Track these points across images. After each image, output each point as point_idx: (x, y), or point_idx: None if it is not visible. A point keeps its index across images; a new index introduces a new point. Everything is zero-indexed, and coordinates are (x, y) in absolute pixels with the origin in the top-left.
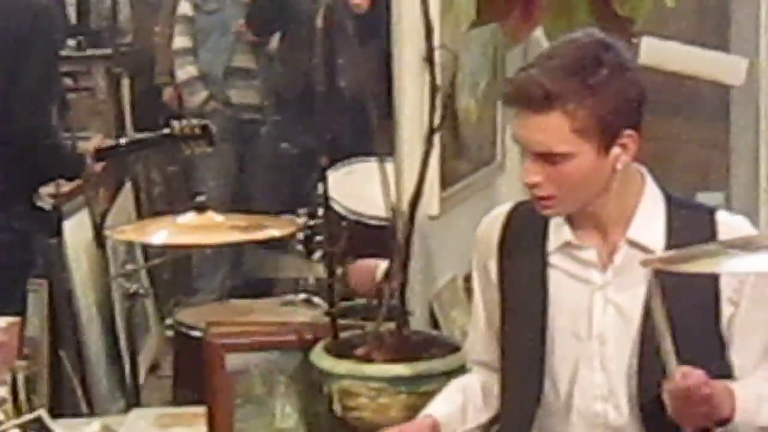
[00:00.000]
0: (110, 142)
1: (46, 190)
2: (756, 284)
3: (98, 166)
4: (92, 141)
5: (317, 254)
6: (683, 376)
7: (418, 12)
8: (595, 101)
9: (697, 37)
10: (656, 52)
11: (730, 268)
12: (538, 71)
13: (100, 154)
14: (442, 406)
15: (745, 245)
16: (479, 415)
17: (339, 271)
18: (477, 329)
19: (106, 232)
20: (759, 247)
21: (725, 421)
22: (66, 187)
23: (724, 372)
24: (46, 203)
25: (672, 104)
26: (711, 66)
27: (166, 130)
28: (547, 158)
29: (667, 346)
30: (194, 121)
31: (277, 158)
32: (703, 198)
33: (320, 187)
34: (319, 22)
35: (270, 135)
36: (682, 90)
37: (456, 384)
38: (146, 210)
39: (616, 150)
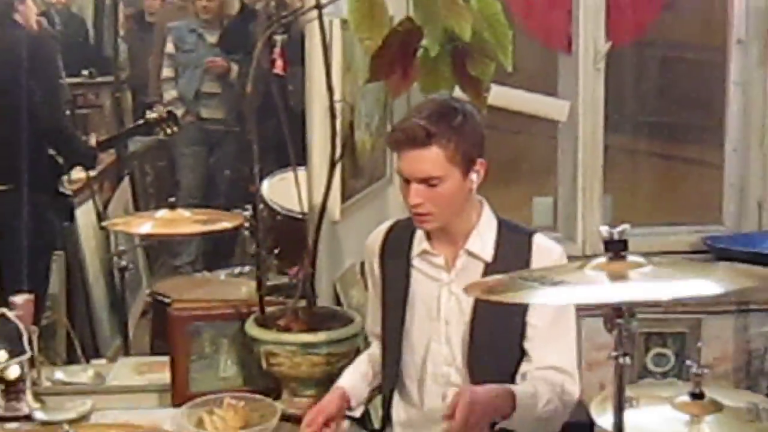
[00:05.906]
0: (106, 135)
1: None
2: None
3: (104, 155)
4: (91, 139)
5: None
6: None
7: (323, 75)
8: (458, 137)
9: (534, 85)
10: (502, 96)
11: (531, 299)
12: (417, 119)
13: (101, 145)
14: (348, 376)
15: (541, 279)
16: (379, 378)
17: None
18: (371, 312)
19: (103, 224)
20: (553, 282)
21: (506, 417)
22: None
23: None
24: (66, 189)
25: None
26: (543, 106)
27: (141, 121)
28: (427, 182)
29: None
30: (161, 108)
31: (235, 161)
32: (539, 201)
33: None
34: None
35: (231, 142)
36: (523, 121)
37: (362, 356)
38: (141, 195)
39: (473, 175)
